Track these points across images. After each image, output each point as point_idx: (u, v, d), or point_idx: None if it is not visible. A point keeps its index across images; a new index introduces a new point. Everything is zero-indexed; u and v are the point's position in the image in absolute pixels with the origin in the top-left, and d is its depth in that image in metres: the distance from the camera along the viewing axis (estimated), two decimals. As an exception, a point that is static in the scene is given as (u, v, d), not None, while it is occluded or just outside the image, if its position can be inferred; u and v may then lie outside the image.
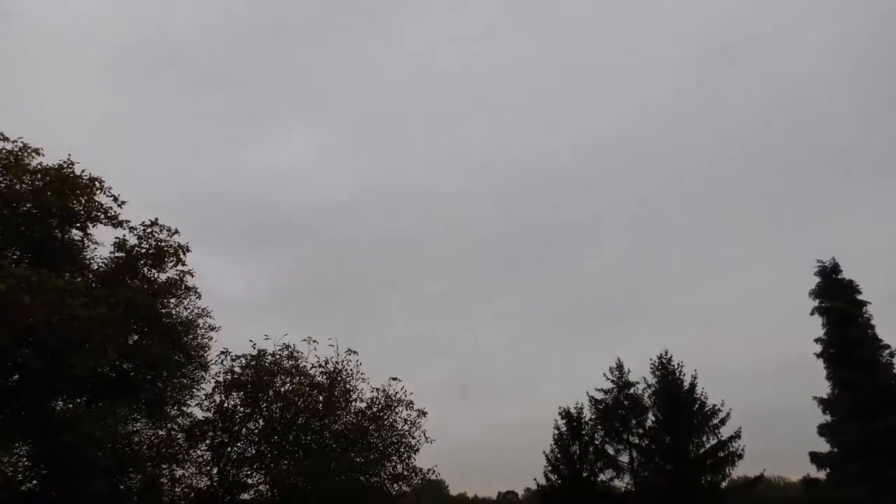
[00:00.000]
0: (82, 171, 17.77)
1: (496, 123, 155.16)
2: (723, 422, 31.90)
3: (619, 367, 34.83)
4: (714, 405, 32.26)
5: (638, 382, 34.14)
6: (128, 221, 18.43)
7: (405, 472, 22.22)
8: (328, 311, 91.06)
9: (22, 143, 17.52)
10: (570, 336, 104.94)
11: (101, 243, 18.64)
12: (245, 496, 21.63)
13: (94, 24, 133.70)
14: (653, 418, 33.27)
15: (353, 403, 22.73)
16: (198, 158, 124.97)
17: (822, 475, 29.31)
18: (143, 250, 18.51)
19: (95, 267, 18.69)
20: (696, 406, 32.52)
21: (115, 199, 18.27)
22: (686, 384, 33.13)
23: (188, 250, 18.97)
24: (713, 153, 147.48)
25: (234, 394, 21.86)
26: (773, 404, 61.55)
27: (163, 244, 18.56)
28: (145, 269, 18.66)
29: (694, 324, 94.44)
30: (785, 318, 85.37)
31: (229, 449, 21.43)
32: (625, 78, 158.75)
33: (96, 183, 17.87)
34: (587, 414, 34.48)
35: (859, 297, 30.05)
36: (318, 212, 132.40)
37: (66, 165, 17.59)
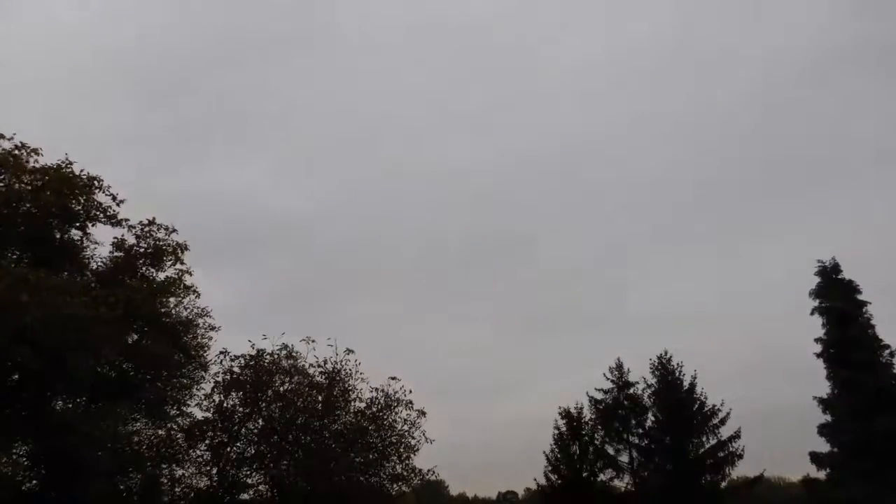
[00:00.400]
0: (81, 171, 17.80)
1: (473, 132, 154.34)
2: (722, 422, 31.89)
3: (619, 367, 34.80)
4: (714, 405, 32.25)
5: (638, 382, 34.14)
6: (126, 220, 18.44)
7: (404, 473, 22.20)
8: (308, 318, 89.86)
9: (20, 142, 17.53)
10: (563, 335, 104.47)
11: (101, 243, 18.68)
12: (245, 496, 21.64)
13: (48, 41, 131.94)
14: (653, 418, 33.25)
15: (353, 403, 22.75)
16: (167, 173, 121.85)
17: (822, 475, 29.27)
18: (142, 249, 18.53)
19: (95, 266, 18.70)
20: (696, 406, 32.50)
21: (114, 198, 18.31)
22: (686, 384, 33.16)
23: (186, 249, 18.99)
24: (706, 154, 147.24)
25: (234, 394, 21.85)
26: (773, 404, 61.58)
27: (161, 243, 18.57)
28: (144, 269, 18.67)
29: (693, 323, 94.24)
30: (785, 317, 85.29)
31: (229, 449, 21.44)
32: (614, 82, 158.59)
33: (95, 182, 17.89)
34: (587, 414, 34.51)
35: (859, 297, 30.06)
36: (286, 223, 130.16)
37: (64, 165, 17.59)
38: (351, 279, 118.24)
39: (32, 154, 17.56)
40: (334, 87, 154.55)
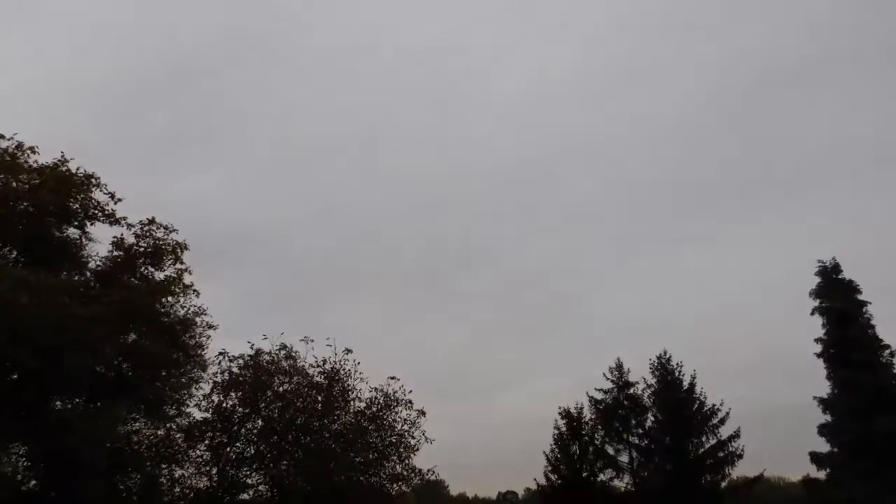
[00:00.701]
0: (77, 169, 17.69)
1: (473, 131, 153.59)
2: (722, 421, 31.91)
3: (619, 367, 34.80)
4: (713, 405, 32.28)
5: (638, 382, 34.15)
6: (125, 218, 18.35)
7: (404, 472, 22.17)
8: (305, 319, 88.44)
9: (17, 141, 17.44)
10: (562, 335, 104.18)
11: (100, 241, 18.60)
12: (244, 496, 21.62)
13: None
14: (652, 418, 33.26)
15: (352, 403, 22.70)
16: (162, 173, 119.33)
17: (822, 475, 29.27)
18: (142, 249, 18.46)
19: (94, 266, 18.63)
20: (696, 406, 32.51)
21: (112, 196, 18.22)
22: (685, 384, 33.16)
23: (186, 248, 18.91)
24: (705, 153, 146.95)
25: (233, 394, 21.82)
26: (773, 404, 61.60)
27: (160, 242, 18.50)
28: (144, 268, 18.60)
29: (694, 323, 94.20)
30: (785, 317, 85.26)
31: (228, 449, 21.42)
32: (614, 82, 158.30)
33: (92, 179, 17.78)
34: (587, 414, 34.51)
35: (859, 297, 30.05)
36: (281, 224, 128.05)
37: (60, 163, 17.49)
38: (350, 279, 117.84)
39: (29, 153, 17.48)
40: (333, 87, 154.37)
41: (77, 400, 17.89)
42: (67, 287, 14.92)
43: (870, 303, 29.77)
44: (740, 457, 31.15)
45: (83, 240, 18.35)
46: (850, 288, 30.26)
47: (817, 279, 31.08)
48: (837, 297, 30.16)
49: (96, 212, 18.00)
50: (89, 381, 17.08)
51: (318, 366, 22.58)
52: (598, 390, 34.57)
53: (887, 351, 28.60)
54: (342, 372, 22.59)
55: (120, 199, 18.27)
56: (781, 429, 51.08)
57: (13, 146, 17.31)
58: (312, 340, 22.46)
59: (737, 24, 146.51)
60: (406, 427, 22.33)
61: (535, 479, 34.65)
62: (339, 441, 21.66)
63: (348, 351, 22.73)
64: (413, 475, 22.27)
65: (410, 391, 22.65)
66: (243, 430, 21.71)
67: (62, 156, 17.60)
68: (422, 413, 22.47)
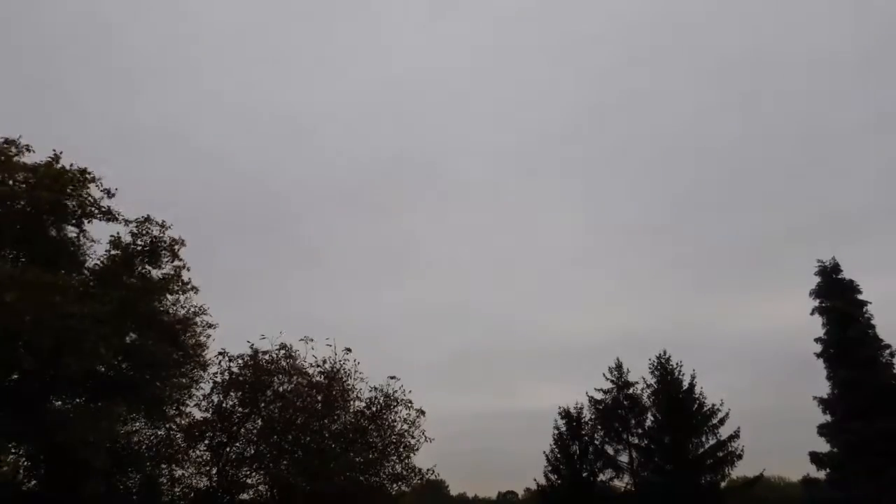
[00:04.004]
0: (70, 164, 17.55)
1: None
2: (722, 422, 31.94)
3: (619, 367, 34.86)
4: (713, 405, 32.32)
5: (637, 382, 34.20)
6: (120, 213, 18.21)
7: (404, 472, 22.16)
8: None
9: (10, 139, 17.29)
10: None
11: (98, 240, 18.49)
12: (244, 496, 21.58)
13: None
14: (652, 418, 33.29)
15: (352, 403, 22.69)
16: None
17: (822, 475, 29.30)
18: (139, 247, 18.38)
19: (91, 264, 18.54)
20: (696, 406, 32.52)
21: (108, 192, 18.08)
22: (685, 384, 33.16)
23: (183, 244, 18.82)
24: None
25: (233, 394, 21.81)
26: (773, 404, 61.63)
27: (157, 239, 18.42)
28: (141, 266, 18.51)
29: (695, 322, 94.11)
30: (783, 316, 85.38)
31: (228, 449, 21.38)
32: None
33: (86, 175, 17.59)
34: (587, 414, 34.54)
35: (859, 297, 30.04)
36: None
37: (53, 160, 17.34)
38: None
39: (24, 151, 17.36)
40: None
41: (77, 400, 17.83)
42: (63, 285, 14.77)
43: (870, 303, 29.85)
44: (740, 457, 31.22)
45: (81, 238, 18.27)
46: (850, 288, 30.27)
47: (817, 279, 31.09)
48: (837, 297, 30.17)
49: (93, 209, 17.84)
50: (89, 381, 17.03)
51: (318, 365, 22.62)
52: (598, 390, 34.66)
53: (887, 351, 28.63)
54: (342, 372, 22.63)
55: (114, 194, 18.09)
56: (781, 429, 51.16)
57: (3, 143, 17.11)
58: (312, 340, 22.52)
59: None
60: (406, 427, 22.35)
61: (535, 479, 34.72)
62: (339, 441, 21.65)
63: (348, 350, 22.80)
64: (413, 475, 22.27)
65: (410, 392, 22.71)
66: (243, 429, 21.68)
67: (54, 152, 17.45)
68: (421, 413, 22.50)
